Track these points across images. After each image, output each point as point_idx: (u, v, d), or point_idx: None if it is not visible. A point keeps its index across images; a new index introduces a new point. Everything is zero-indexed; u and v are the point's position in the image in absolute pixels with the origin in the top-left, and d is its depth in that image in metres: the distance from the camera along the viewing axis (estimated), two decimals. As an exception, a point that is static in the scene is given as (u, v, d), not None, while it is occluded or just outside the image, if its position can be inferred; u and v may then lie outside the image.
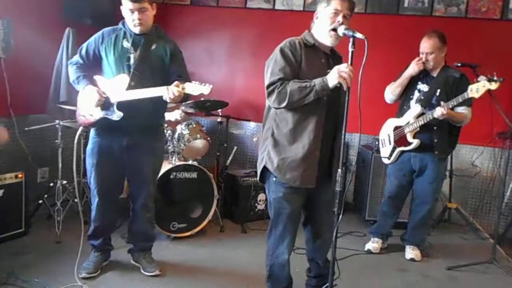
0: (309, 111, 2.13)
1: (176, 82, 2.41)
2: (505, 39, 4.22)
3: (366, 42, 1.88)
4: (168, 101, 2.45)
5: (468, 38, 4.21)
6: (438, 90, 3.16)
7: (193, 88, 2.41)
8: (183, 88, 2.40)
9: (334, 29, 2.10)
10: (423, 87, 3.24)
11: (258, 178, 2.37)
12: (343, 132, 2.02)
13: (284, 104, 2.08)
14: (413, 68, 3.19)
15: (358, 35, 1.94)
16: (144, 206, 2.82)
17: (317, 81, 2.04)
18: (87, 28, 3.65)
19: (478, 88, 2.80)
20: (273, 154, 2.21)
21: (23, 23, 3.62)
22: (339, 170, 2.03)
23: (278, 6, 4.77)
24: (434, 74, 3.22)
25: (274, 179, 2.24)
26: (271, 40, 4.77)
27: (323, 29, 2.16)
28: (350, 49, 1.96)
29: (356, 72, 1.97)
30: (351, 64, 1.98)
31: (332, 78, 2.01)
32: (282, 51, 2.15)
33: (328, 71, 2.05)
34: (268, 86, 2.13)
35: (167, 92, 2.40)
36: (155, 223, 3.05)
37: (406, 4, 4.45)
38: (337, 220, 2.04)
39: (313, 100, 2.05)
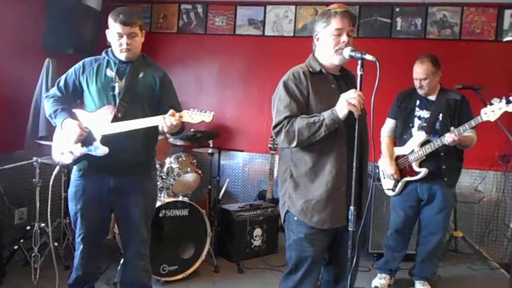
0: (327, 144, 1.92)
1: (171, 111, 2.17)
2: (500, 60, 4.17)
3: (378, 65, 1.71)
4: (166, 131, 2.22)
5: (463, 60, 4.15)
6: (441, 115, 3.00)
7: (192, 116, 2.18)
8: (180, 117, 2.17)
9: (340, 49, 1.92)
10: (423, 113, 3.07)
11: (282, 222, 2.14)
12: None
13: (294, 144, 1.91)
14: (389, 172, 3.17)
15: (368, 57, 1.75)
16: (137, 254, 2.51)
17: (326, 115, 1.86)
18: (69, 58, 3.46)
19: (493, 111, 2.60)
20: (295, 197, 2.00)
21: (-1, 53, 3.40)
22: (351, 207, 1.81)
23: (268, 32, 4.67)
24: (432, 98, 3.07)
25: (295, 218, 2.01)
26: (262, 67, 4.83)
27: (327, 51, 1.98)
28: (359, 72, 1.78)
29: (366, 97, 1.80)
30: (361, 88, 1.80)
31: (341, 108, 1.82)
32: (285, 85, 1.97)
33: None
34: (274, 127, 1.96)
35: (163, 122, 2.16)
36: (151, 272, 2.69)
37: (399, 28, 4.38)
38: (351, 264, 1.80)
39: (325, 135, 1.86)
